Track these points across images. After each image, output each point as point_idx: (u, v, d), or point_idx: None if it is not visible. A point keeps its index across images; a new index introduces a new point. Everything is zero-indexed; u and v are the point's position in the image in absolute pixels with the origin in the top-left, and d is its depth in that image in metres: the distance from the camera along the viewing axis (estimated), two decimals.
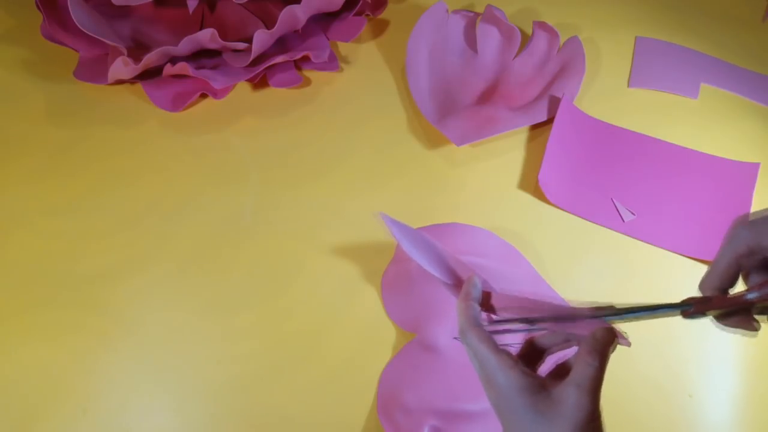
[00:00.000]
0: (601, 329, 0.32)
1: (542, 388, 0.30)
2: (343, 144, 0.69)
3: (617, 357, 0.34)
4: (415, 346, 0.56)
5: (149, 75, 0.69)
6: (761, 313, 0.31)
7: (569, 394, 0.30)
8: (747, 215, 0.32)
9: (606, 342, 0.32)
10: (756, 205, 0.67)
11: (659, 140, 0.71)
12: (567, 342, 0.36)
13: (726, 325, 0.32)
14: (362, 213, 0.64)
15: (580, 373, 0.31)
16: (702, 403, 0.55)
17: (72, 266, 0.59)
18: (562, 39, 0.77)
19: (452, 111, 0.70)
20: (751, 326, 0.31)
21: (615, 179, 0.68)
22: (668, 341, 0.58)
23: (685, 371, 0.57)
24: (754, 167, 0.69)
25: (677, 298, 0.57)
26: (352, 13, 0.75)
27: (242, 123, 0.69)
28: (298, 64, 0.73)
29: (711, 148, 0.71)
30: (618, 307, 0.33)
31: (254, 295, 0.58)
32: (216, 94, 0.69)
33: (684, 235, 0.65)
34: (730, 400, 0.56)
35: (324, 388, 0.55)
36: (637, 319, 0.33)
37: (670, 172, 0.69)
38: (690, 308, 0.32)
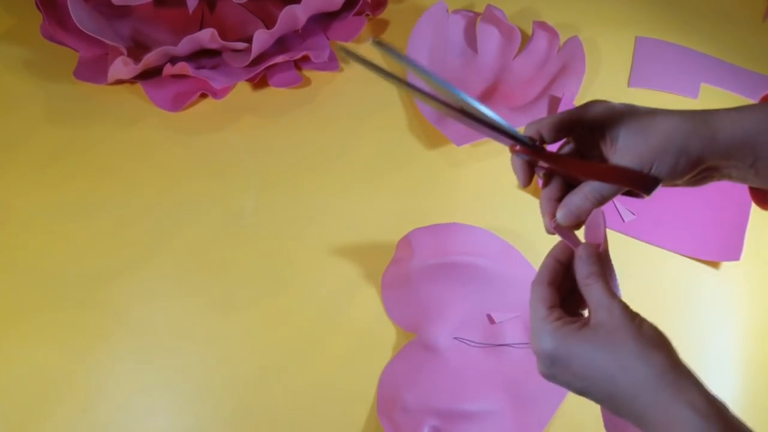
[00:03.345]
0: (581, 251, 0.35)
1: (582, 325, 0.32)
2: (343, 144, 0.68)
3: None
4: (415, 346, 0.56)
5: (149, 75, 0.69)
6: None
7: (598, 312, 0.32)
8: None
9: (589, 258, 0.34)
10: (755, 205, 0.66)
11: None
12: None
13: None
14: (362, 213, 0.64)
15: (591, 298, 0.33)
16: None
17: (72, 266, 0.59)
18: (562, 39, 0.77)
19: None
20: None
21: None
22: None
23: None
24: None
25: (676, 298, 0.58)
26: (352, 13, 0.75)
27: (242, 123, 0.69)
28: (298, 64, 0.73)
29: None
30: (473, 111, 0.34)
31: (254, 295, 0.58)
32: (216, 94, 0.69)
33: (683, 235, 0.65)
34: (728, 401, 0.56)
35: (324, 388, 0.55)
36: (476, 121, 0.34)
37: None
38: (524, 144, 0.35)
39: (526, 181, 0.37)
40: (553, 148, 0.37)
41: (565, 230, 0.36)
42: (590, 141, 0.36)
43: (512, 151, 0.36)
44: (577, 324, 0.32)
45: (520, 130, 0.36)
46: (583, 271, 0.34)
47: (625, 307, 0.32)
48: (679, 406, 0.28)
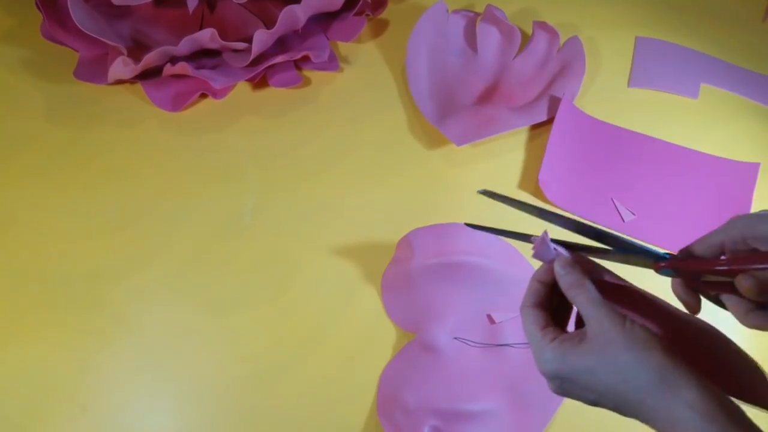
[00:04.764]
0: (556, 266, 0.35)
1: (579, 340, 0.32)
2: (343, 144, 0.68)
3: None
4: (415, 346, 0.56)
5: (149, 75, 0.69)
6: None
7: (589, 324, 0.32)
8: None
9: (564, 269, 0.35)
10: (756, 205, 0.67)
11: (659, 140, 0.71)
12: None
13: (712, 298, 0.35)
14: (362, 213, 0.64)
15: (580, 309, 0.33)
16: None
17: (72, 266, 0.59)
18: (563, 39, 0.77)
19: (452, 111, 0.70)
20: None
21: (615, 179, 0.68)
22: None
23: None
24: (754, 167, 0.69)
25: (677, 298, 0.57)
26: (352, 13, 0.75)
27: (242, 123, 0.69)
28: (298, 64, 0.73)
29: (711, 148, 0.70)
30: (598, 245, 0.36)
31: (254, 296, 0.58)
32: (216, 94, 0.69)
33: (684, 235, 0.64)
34: None
35: (324, 388, 0.55)
36: (609, 258, 0.35)
37: (670, 172, 0.69)
38: (666, 259, 0.34)
39: (695, 306, 0.35)
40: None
41: (544, 255, 0.36)
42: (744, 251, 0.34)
43: (657, 269, 0.35)
44: (575, 340, 0.33)
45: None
46: (564, 284, 0.34)
47: (612, 315, 0.32)
48: (679, 407, 0.29)
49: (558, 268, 0.35)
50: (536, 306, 0.35)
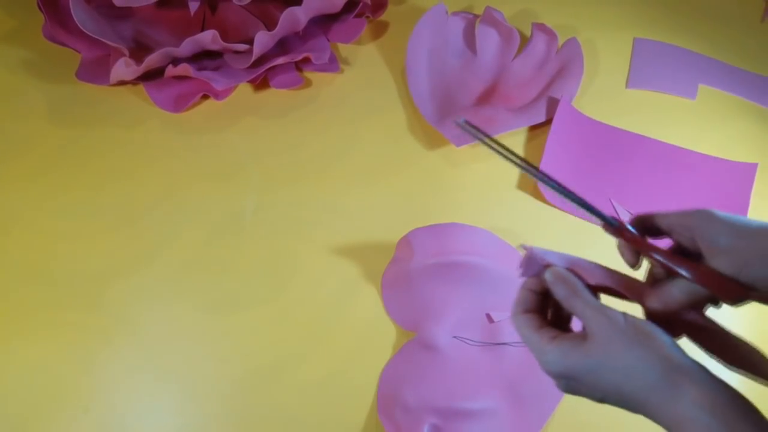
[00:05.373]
0: (548, 275, 0.35)
1: (581, 339, 0.32)
2: (343, 144, 0.69)
3: None
4: (414, 345, 0.56)
5: (151, 76, 0.70)
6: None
7: (589, 325, 0.32)
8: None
9: (557, 279, 0.34)
10: (754, 205, 0.67)
11: (657, 141, 0.71)
12: None
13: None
14: (362, 213, 0.64)
15: (577, 314, 0.33)
16: None
17: (73, 266, 0.59)
18: (561, 40, 0.77)
19: (452, 112, 0.71)
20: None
21: (613, 180, 0.68)
22: None
23: None
24: (751, 167, 0.69)
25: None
26: (353, 15, 0.76)
27: (243, 124, 0.70)
28: (299, 66, 0.73)
29: (709, 149, 0.71)
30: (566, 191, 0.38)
31: (254, 295, 0.59)
32: (217, 95, 0.69)
33: None
34: None
35: (324, 387, 0.55)
36: (570, 199, 0.38)
37: (669, 173, 0.69)
38: (614, 226, 0.37)
39: (633, 262, 0.37)
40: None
41: (531, 271, 0.36)
42: (690, 242, 0.34)
43: (606, 229, 0.38)
44: (577, 339, 0.32)
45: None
46: (560, 294, 0.34)
47: (611, 313, 0.32)
48: (685, 405, 0.28)
49: (550, 279, 0.34)
50: (524, 311, 0.35)
